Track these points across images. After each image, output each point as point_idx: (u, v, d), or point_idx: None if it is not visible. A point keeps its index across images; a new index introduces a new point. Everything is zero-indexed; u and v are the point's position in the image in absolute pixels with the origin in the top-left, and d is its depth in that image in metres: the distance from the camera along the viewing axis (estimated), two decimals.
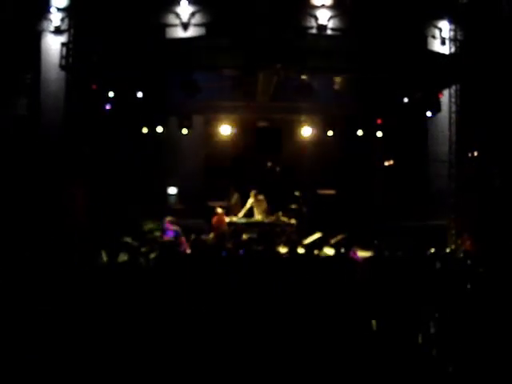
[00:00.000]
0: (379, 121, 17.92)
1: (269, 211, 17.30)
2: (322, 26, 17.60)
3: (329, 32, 17.70)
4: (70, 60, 16.19)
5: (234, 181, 18.84)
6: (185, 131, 17.16)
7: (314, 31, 17.61)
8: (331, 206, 19.43)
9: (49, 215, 14.31)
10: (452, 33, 17.39)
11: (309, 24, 17.70)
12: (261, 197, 17.36)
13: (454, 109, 17.34)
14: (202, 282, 7.01)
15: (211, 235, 15.73)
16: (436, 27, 18.00)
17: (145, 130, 17.44)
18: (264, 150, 19.51)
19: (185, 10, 17.54)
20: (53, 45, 17.17)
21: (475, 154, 17.74)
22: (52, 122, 16.66)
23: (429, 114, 16.60)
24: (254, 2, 16.39)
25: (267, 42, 14.19)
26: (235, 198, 17.88)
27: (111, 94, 15.60)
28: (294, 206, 17.69)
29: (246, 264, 8.64)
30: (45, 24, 17.33)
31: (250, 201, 17.31)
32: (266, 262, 8.99)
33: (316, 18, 17.65)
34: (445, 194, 17.12)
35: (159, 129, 17.12)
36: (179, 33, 17.58)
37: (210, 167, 19.35)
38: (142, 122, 17.33)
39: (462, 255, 11.06)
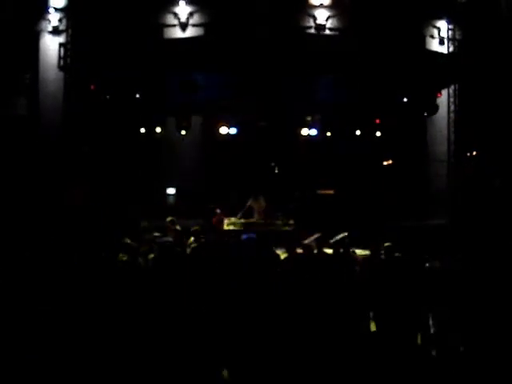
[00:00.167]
0: (378, 121, 17.90)
1: (268, 212, 17.24)
2: (320, 25, 17.58)
3: (327, 32, 17.68)
4: (68, 60, 16.20)
5: (233, 181, 18.80)
6: (183, 132, 17.12)
7: (312, 31, 17.60)
8: (330, 205, 19.40)
9: (49, 215, 14.29)
10: (450, 32, 17.44)
11: (307, 24, 17.68)
12: (260, 197, 17.31)
13: (452, 108, 17.39)
14: (201, 283, 7.00)
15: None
16: (434, 27, 18.00)
17: (143, 130, 17.42)
18: (263, 150, 19.49)
19: (183, 10, 17.51)
20: (51, 45, 17.16)
21: (474, 153, 17.76)
22: (51, 122, 16.65)
23: (426, 114, 16.61)
24: (252, 1, 16.39)
25: (266, 42, 14.17)
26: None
27: (109, 94, 15.57)
28: (291, 206, 17.65)
29: (246, 265, 8.63)
30: (43, 24, 17.31)
31: (250, 200, 17.27)
32: (265, 262, 8.97)
33: (314, 18, 17.64)
34: (444, 193, 17.12)
35: (158, 129, 17.09)
36: (177, 33, 17.56)
37: (209, 167, 19.31)
38: (140, 122, 17.29)
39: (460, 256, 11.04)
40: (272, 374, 5.16)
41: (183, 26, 17.56)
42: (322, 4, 17.62)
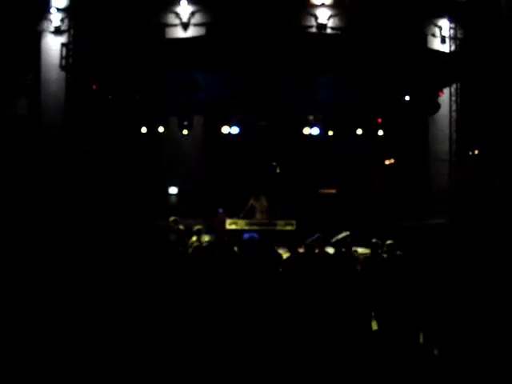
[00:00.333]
0: (379, 120, 17.87)
1: (270, 211, 17.25)
2: (321, 25, 17.58)
3: (328, 31, 17.68)
4: (70, 60, 16.21)
5: (235, 181, 18.81)
6: (185, 131, 17.11)
7: (313, 30, 17.60)
8: (332, 205, 19.40)
9: (49, 215, 14.31)
10: (452, 31, 17.42)
11: (308, 23, 17.68)
12: (262, 197, 17.32)
13: (454, 107, 17.36)
14: (201, 283, 7.01)
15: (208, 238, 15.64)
16: (436, 25, 17.99)
17: (144, 130, 17.42)
18: (265, 150, 19.50)
19: (184, 9, 17.52)
20: (53, 45, 17.19)
21: (476, 152, 17.74)
22: (52, 122, 16.68)
23: (427, 113, 16.59)
24: (253, 1, 16.39)
25: (268, 41, 14.17)
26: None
27: (111, 94, 15.57)
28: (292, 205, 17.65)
29: (246, 264, 8.64)
30: (45, 24, 17.35)
31: (251, 200, 17.28)
32: (266, 261, 8.98)
33: (316, 17, 17.63)
34: (445, 192, 17.10)
35: (160, 129, 17.08)
36: (179, 33, 17.57)
37: (210, 167, 19.32)
38: (142, 122, 17.30)
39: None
40: (273, 373, 5.16)
41: (185, 26, 17.58)
42: (323, 3, 17.62)
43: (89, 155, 16.00)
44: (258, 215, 17.13)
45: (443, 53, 17.17)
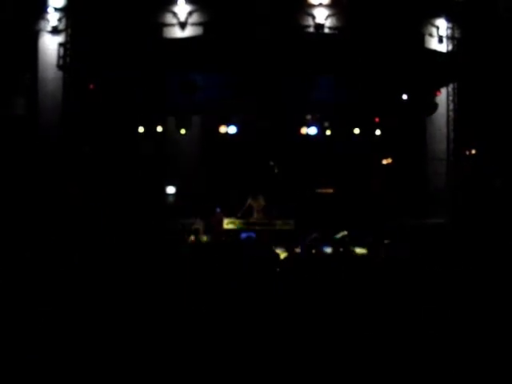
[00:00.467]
0: (377, 119, 17.89)
1: (267, 211, 17.25)
2: (319, 24, 17.58)
3: (326, 31, 17.68)
4: (68, 60, 16.18)
5: (233, 180, 18.81)
6: (183, 131, 17.10)
7: (311, 30, 17.60)
8: (330, 204, 19.41)
9: (49, 215, 14.30)
10: (449, 31, 17.43)
11: (306, 23, 17.68)
12: (260, 196, 17.32)
13: (451, 107, 17.39)
14: (201, 283, 7.01)
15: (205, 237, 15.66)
16: (433, 25, 18.01)
17: (141, 130, 17.41)
18: (263, 150, 19.49)
19: (182, 9, 17.50)
20: (50, 45, 17.16)
21: (473, 151, 17.77)
22: (50, 122, 16.66)
23: (425, 113, 16.62)
24: (251, 1, 16.39)
25: (265, 41, 14.17)
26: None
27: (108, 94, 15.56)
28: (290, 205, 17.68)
29: (246, 264, 8.64)
30: (42, 24, 17.32)
31: (249, 199, 17.29)
32: (265, 261, 8.99)
33: (313, 17, 17.63)
34: (443, 192, 17.13)
35: (158, 128, 17.07)
36: (177, 32, 17.56)
37: (208, 167, 19.31)
38: (140, 121, 17.28)
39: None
40: (272, 374, 5.16)
41: (182, 26, 17.56)
42: (321, 3, 17.62)
43: (88, 155, 15.97)
44: (256, 215, 17.13)
45: (440, 52, 17.20)
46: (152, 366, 4.90)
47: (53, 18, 17.28)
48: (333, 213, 17.98)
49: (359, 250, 11.71)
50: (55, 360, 4.86)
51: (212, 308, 6.20)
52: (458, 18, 17.27)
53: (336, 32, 17.54)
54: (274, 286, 7.61)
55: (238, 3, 16.48)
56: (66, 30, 16.99)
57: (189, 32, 17.59)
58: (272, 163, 19.50)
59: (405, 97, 16.03)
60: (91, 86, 15.59)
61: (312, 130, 17.99)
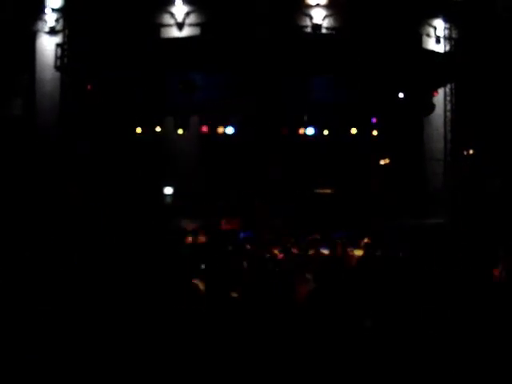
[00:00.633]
0: (375, 120, 17.91)
1: (266, 211, 17.28)
2: (316, 25, 17.59)
3: (323, 31, 17.69)
4: (65, 60, 16.19)
5: (232, 181, 18.82)
6: (181, 131, 17.11)
7: (308, 30, 17.61)
8: (328, 205, 19.43)
9: (48, 215, 14.30)
10: (447, 31, 17.47)
11: (303, 23, 17.69)
12: (259, 197, 17.36)
13: (449, 107, 17.42)
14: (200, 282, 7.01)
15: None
16: (431, 26, 18.03)
17: (139, 130, 17.41)
18: (261, 150, 19.51)
19: (179, 9, 17.50)
20: (48, 45, 17.14)
21: (470, 152, 17.80)
22: (48, 122, 16.65)
23: (422, 113, 16.66)
24: (248, 1, 16.39)
25: (263, 41, 14.17)
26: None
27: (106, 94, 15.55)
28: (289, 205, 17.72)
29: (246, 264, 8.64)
30: (40, 25, 17.30)
31: (249, 201, 17.32)
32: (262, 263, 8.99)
33: (311, 18, 17.63)
34: (441, 192, 17.15)
35: (156, 129, 17.08)
36: (174, 33, 17.56)
37: (206, 167, 19.30)
38: (138, 122, 17.27)
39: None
40: (270, 373, 5.16)
41: (180, 26, 17.55)
42: (318, 3, 17.62)
43: (86, 155, 15.95)
44: (255, 215, 17.17)
45: (438, 53, 17.24)
46: (152, 365, 4.91)
47: (50, 18, 17.26)
48: (332, 213, 18.01)
49: (358, 252, 11.73)
50: (55, 360, 4.86)
51: (212, 305, 6.20)
52: (456, 18, 17.30)
53: (333, 32, 17.55)
54: (273, 286, 7.60)
55: (235, 4, 16.48)
56: (63, 30, 16.98)
57: (186, 33, 17.59)
58: (277, 168, 19.32)
59: (401, 95, 16.07)
60: (89, 87, 15.60)
61: (310, 131, 18.03)
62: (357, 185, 19.57)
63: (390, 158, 19.34)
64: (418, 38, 17.92)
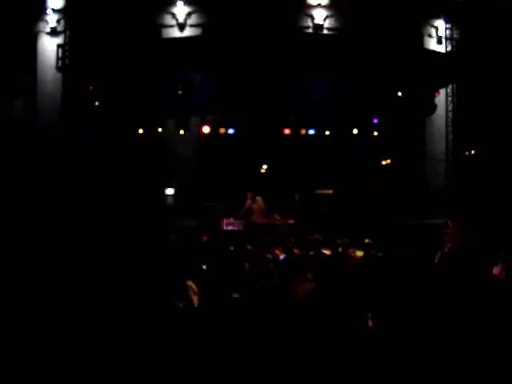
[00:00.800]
0: (376, 120, 17.92)
1: (267, 212, 17.29)
2: (318, 25, 17.57)
3: (325, 31, 17.67)
4: (66, 61, 16.19)
5: (232, 181, 18.83)
6: (182, 132, 17.13)
7: (310, 31, 17.59)
8: (329, 205, 19.43)
9: (48, 215, 14.30)
10: (448, 31, 17.45)
11: (305, 24, 17.67)
12: (258, 197, 17.35)
13: (450, 107, 17.40)
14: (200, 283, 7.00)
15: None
16: (432, 26, 18.01)
17: (141, 131, 17.44)
18: (261, 150, 19.54)
19: (181, 10, 17.50)
20: (49, 46, 17.15)
21: (472, 152, 17.79)
22: (49, 123, 16.65)
23: (424, 114, 16.67)
24: (249, 2, 16.39)
25: (264, 42, 14.17)
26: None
27: (107, 95, 15.55)
28: (290, 206, 17.75)
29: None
30: (41, 25, 17.29)
31: (248, 202, 17.32)
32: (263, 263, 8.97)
33: (312, 18, 17.62)
34: (442, 192, 17.13)
35: (158, 129, 17.10)
36: (175, 33, 17.55)
37: (207, 168, 19.32)
38: (139, 122, 17.29)
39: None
40: (270, 373, 5.14)
41: (181, 27, 17.54)
42: (319, 4, 17.60)
43: (87, 155, 15.95)
44: (255, 216, 17.16)
45: (439, 53, 17.23)
46: (152, 366, 4.89)
47: (51, 19, 17.26)
48: (333, 214, 18.00)
49: (359, 253, 11.71)
50: (55, 360, 4.85)
51: (212, 305, 6.19)
52: (457, 18, 17.27)
53: (335, 33, 17.53)
54: (274, 287, 7.59)
55: (236, 4, 16.47)
56: (64, 31, 16.97)
57: (187, 33, 17.57)
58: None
59: (404, 98, 16.06)
60: (90, 88, 15.61)
61: (311, 131, 18.04)
62: (357, 185, 19.57)
63: (391, 158, 19.35)
64: (419, 39, 17.89)
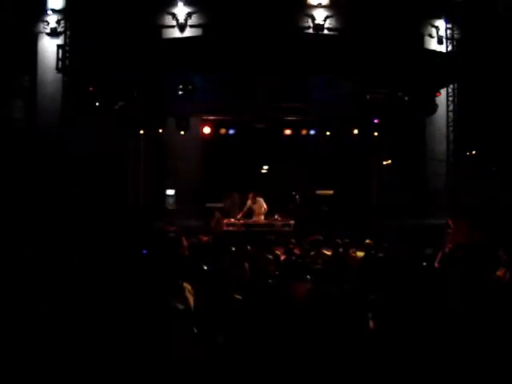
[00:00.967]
0: (377, 120, 17.92)
1: (267, 212, 17.31)
2: (318, 25, 17.55)
3: (325, 32, 17.65)
4: (67, 62, 16.18)
5: (232, 182, 18.85)
6: (182, 132, 17.15)
7: (310, 31, 17.57)
8: (330, 206, 19.45)
9: (48, 215, 14.29)
10: (449, 31, 17.42)
11: (305, 24, 17.65)
12: (259, 198, 17.37)
13: (451, 107, 17.38)
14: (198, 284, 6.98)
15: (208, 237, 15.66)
16: (433, 26, 17.98)
17: (142, 131, 17.44)
18: (262, 151, 19.55)
19: (181, 10, 17.48)
20: (49, 47, 17.12)
21: (473, 152, 17.76)
22: (49, 124, 16.62)
23: (425, 114, 16.65)
24: (250, 2, 16.37)
25: (264, 43, 14.14)
26: (235, 198, 17.85)
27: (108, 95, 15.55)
28: (291, 206, 17.77)
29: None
30: (41, 26, 17.28)
31: (248, 202, 17.34)
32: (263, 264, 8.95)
33: (313, 18, 17.60)
34: (442, 192, 17.11)
35: (158, 130, 17.11)
36: (176, 34, 17.53)
37: (207, 168, 19.33)
38: (139, 122, 17.30)
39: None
40: (270, 373, 5.13)
41: (181, 27, 17.52)
42: (320, 4, 17.58)
43: (87, 155, 15.94)
44: (256, 216, 17.18)
45: (440, 53, 17.20)
46: (152, 365, 4.88)
47: (52, 20, 17.25)
48: (333, 214, 18.01)
49: (360, 253, 11.70)
50: (55, 360, 4.84)
51: (212, 305, 6.17)
52: (458, 18, 17.25)
53: (335, 33, 17.51)
54: (274, 287, 7.57)
55: (237, 5, 16.45)
56: (65, 32, 16.94)
57: (188, 34, 17.55)
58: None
59: (405, 98, 16.04)
60: (91, 88, 15.60)
61: (311, 132, 18.04)
62: (358, 185, 19.58)
63: (391, 159, 19.34)
64: (420, 39, 17.86)
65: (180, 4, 17.40)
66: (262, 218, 17.20)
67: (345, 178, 19.83)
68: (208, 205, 18.54)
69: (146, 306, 5.64)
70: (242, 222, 16.94)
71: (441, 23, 17.89)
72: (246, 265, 8.87)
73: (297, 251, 11.34)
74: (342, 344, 5.54)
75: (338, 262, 9.57)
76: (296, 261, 9.61)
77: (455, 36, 17.39)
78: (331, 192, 20.12)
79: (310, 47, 14.55)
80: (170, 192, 19.11)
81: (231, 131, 17.94)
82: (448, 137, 17.45)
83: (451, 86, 17.31)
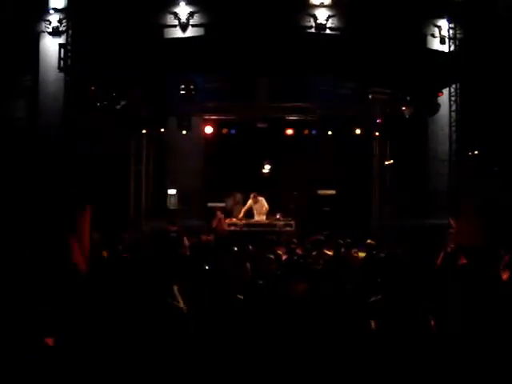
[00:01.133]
0: (379, 120, 17.90)
1: (269, 212, 17.32)
2: (320, 25, 17.52)
3: (327, 31, 17.62)
4: (69, 61, 16.17)
5: (234, 182, 18.86)
6: (184, 132, 17.15)
7: (312, 31, 17.54)
8: (331, 206, 19.45)
9: (48, 215, 14.27)
10: (451, 31, 17.37)
11: (307, 23, 17.62)
12: (260, 198, 17.37)
13: (453, 107, 17.34)
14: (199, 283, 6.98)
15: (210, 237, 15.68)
16: (435, 26, 17.93)
17: (143, 131, 17.44)
18: (263, 151, 19.55)
19: (183, 10, 17.46)
20: (51, 46, 17.11)
21: (475, 152, 17.73)
22: (51, 123, 16.61)
23: (427, 114, 16.63)
24: (252, 2, 16.36)
25: (266, 43, 14.12)
26: (237, 198, 17.85)
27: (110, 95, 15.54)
28: (292, 206, 17.78)
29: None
30: (43, 25, 17.26)
31: (250, 202, 17.35)
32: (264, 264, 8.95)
33: (315, 18, 17.57)
34: (444, 192, 17.08)
35: (159, 130, 17.11)
36: (178, 34, 17.52)
37: (209, 168, 19.33)
38: (141, 122, 17.30)
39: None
40: (271, 373, 5.12)
41: (183, 27, 17.50)
42: (322, 3, 17.56)
43: (88, 155, 15.93)
44: (257, 216, 17.19)
45: (443, 53, 17.16)
46: (152, 366, 4.87)
47: (54, 19, 17.24)
48: (335, 214, 18.01)
49: (361, 254, 11.70)
50: (55, 360, 4.83)
51: (213, 305, 6.16)
52: (460, 18, 17.21)
53: (337, 33, 17.47)
54: (276, 287, 7.56)
55: (239, 5, 16.43)
56: (66, 31, 16.91)
57: (190, 33, 17.53)
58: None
59: (407, 98, 16.01)
60: (92, 88, 15.58)
61: (313, 132, 18.01)
62: (360, 185, 19.56)
63: (393, 159, 19.31)
64: (422, 38, 17.81)
65: (182, 3, 17.38)
66: (264, 217, 17.20)
67: (346, 177, 19.81)
68: (210, 204, 18.58)
69: (147, 305, 5.64)
70: (243, 221, 16.95)
71: (443, 23, 17.84)
72: (248, 265, 8.87)
73: (299, 251, 11.34)
74: (343, 344, 5.53)
75: (340, 262, 9.57)
76: (298, 261, 9.61)
77: (458, 36, 17.34)
78: (333, 192, 20.11)
79: (312, 47, 14.51)
80: (172, 192, 19.10)
81: (233, 131, 17.92)
82: (450, 137, 17.40)
83: (453, 85, 17.25)
